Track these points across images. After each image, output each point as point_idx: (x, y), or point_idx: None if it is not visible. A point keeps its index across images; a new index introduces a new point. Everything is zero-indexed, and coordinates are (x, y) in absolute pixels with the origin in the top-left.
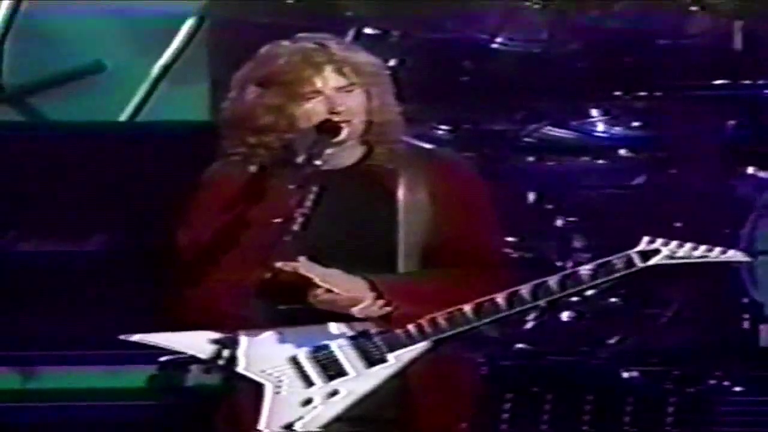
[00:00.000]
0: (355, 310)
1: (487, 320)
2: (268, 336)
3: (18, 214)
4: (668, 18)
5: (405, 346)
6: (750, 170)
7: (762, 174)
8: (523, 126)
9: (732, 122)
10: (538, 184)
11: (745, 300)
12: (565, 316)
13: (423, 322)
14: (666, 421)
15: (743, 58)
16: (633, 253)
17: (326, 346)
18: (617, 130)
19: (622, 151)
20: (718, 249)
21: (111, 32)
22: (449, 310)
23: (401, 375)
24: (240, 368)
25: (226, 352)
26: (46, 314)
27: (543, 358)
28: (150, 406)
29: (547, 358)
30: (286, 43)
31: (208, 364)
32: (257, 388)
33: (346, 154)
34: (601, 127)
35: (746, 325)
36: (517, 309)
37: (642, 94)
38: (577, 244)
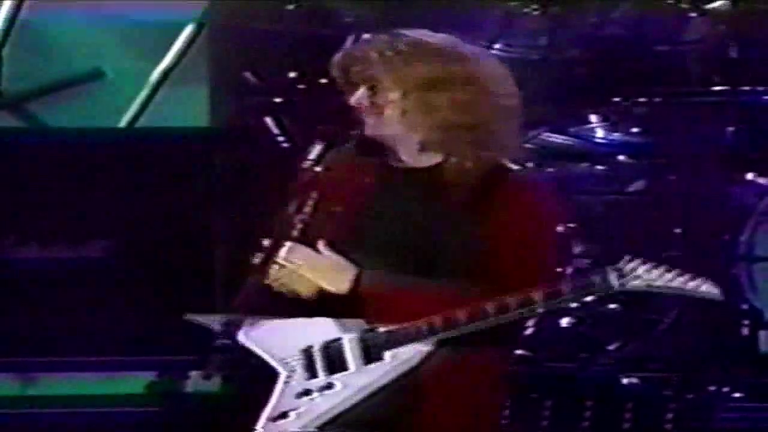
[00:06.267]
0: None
1: (479, 326)
2: (293, 325)
3: (18, 220)
4: (667, 24)
5: (402, 344)
6: (749, 176)
7: (761, 180)
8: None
9: (731, 128)
10: None
11: (745, 306)
12: (564, 322)
13: (420, 322)
14: (665, 428)
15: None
16: (612, 275)
17: (339, 339)
18: (616, 136)
19: (621, 157)
20: (693, 283)
21: (110, 38)
22: (445, 313)
23: (402, 375)
24: (264, 355)
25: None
26: (45, 320)
27: (542, 364)
28: (149, 412)
29: (546, 364)
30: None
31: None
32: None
33: (424, 156)
34: (600, 133)
35: (746, 331)
36: (504, 318)
37: (641, 100)
38: (577, 249)
